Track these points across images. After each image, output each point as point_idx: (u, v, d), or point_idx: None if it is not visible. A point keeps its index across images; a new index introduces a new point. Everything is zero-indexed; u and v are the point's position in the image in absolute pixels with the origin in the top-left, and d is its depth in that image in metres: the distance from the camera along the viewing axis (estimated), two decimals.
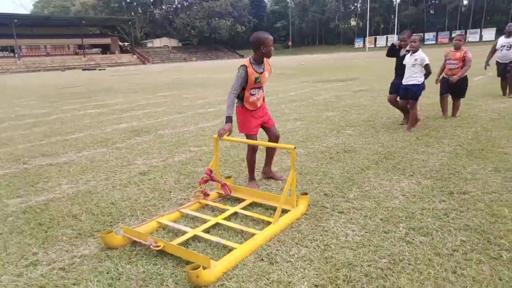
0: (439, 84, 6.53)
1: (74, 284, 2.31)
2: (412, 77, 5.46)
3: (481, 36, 62.87)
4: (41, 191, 3.93)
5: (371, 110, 7.61)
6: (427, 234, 2.68)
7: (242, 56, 76.92)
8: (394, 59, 5.99)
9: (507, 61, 8.30)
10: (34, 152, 5.51)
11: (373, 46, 71.27)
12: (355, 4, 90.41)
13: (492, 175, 3.72)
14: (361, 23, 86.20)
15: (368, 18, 67.25)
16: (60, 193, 3.86)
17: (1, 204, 3.62)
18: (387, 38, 73.25)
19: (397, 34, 68.01)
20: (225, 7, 79.08)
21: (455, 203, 3.15)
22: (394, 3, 76.73)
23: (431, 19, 76.73)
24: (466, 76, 6.27)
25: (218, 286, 2.22)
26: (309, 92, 11.17)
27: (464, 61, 6.12)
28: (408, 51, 5.54)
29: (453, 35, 64.63)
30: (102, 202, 3.55)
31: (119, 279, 2.33)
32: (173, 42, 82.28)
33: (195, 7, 77.66)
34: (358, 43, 77.77)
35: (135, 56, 68.24)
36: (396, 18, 68.47)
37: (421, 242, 2.58)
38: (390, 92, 6.04)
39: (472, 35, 64.08)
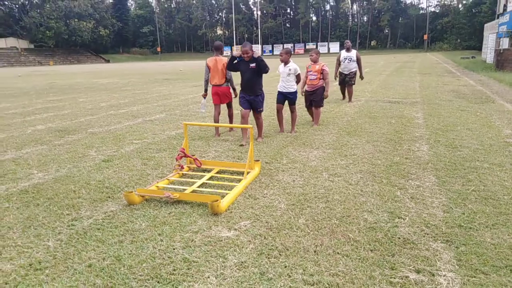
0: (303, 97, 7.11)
1: (125, 223, 3.16)
2: (289, 86, 6.29)
3: (329, 48, 73.16)
4: (19, 179, 4.33)
5: (267, 112, 9.26)
6: (340, 176, 4.28)
7: (108, 61, 73.11)
8: None
9: (348, 72, 9.64)
10: None
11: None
12: (220, 14, 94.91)
13: (366, 144, 5.63)
14: (227, 32, 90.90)
15: (234, 28, 71.63)
16: (40, 179, 4.33)
17: None
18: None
19: (260, 44, 74.30)
20: (84, 8, 74.02)
21: (349, 160, 4.88)
22: (256, 16, 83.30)
23: (288, 32, 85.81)
24: (323, 87, 6.87)
25: (229, 212, 3.38)
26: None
27: (322, 73, 6.78)
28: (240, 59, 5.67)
29: (307, 46, 73.81)
30: (91, 181, 4.23)
31: (157, 218, 3.28)
32: (23, 44, 73.03)
33: (48, 5, 70.50)
34: (226, 51, 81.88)
35: None
36: (258, 30, 74.67)
37: (338, 180, 4.15)
38: (244, 108, 5.82)
39: (322, 47, 74.22)
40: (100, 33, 76.73)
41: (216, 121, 6.44)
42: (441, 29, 69.67)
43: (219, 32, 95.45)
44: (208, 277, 2.42)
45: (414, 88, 12.43)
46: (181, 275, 2.44)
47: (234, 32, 72.94)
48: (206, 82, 6.47)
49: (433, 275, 2.43)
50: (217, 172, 4.44)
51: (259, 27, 74.86)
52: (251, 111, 5.93)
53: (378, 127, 6.71)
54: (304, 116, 7.79)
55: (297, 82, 6.41)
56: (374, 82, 14.93)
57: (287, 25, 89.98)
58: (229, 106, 6.67)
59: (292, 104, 6.46)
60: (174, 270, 2.50)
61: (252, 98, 5.79)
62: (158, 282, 2.37)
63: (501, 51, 18.96)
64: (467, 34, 58.09)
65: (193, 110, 9.27)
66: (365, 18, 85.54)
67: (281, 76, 6.39)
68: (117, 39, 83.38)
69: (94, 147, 5.74)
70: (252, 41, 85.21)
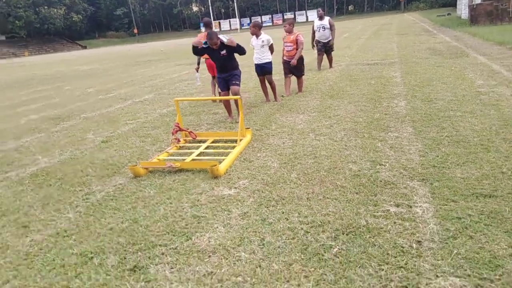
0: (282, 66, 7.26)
1: (134, 193, 3.48)
2: (264, 57, 6.42)
3: (307, 17, 72.38)
4: (27, 165, 4.58)
5: (252, 84, 9.50)
6: (325, 135, 4.63)
7: (84, 47, 71.24)
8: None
9: (326, 40, 9.55)
10: None
11: (218, 30, 74.84)
12: None
13: (348, 105, 5.97)
14: (203, 9, 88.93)
15: (209, 4, 70.00)
16: (46, 163, 4.59)
17: (2, 176, 4.23)
18: (229, 22, 77.99)
19: (238, 18, 73.14)
20: None
21: (333, 120, 5.23)
22: None
23: (265, 3, 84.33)
24: (302, 56, 6.96)
25: (228, 175, 3.71)
26: (191, 73, 12.52)
27: (296, 43, 6.82)
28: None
29: (285, 16, 72.97)
30: (95, 160, 4.50)
31: (163, 185, 3.60)
32: None
33: None
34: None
35: None
36: (234, 3, 73.27)
37: (324, 138, 4.51)
38: (222, 90, 5.75)
39: (300, 16, 73.40)
40: (73, 19, 74.47)
41: (213, 91, 7.12)
42: None
43: (195, 9, 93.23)
44: (217, 227, 2.77)
45: (392, 49, 12.74)
46: (193, 228, 2.79)
47: (210, 7, 71.20)
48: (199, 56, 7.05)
49: (411, 207, 2.82)
50: (212, 142, 4.75)
51: (235, 0, 73.40)
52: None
53: (358, 89, 7.05)
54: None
55: (271, 52, 6.48)
56: (353, 46, 15.18)
57: None
58: None
59: (268, 73, 6.55)
60: (186, 225, 2.84)
61: (227, 75, 5.61)
62: (173, 235, 2.72)
63: (474, 6, 19.28)
64: None
65: (180, 88, 9.46)
66: None
67: (255, 48, 6.51)
68: (91, 24, 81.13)
69: (91, 131, 5.97)
70: (229, 15, 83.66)
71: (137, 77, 13.03)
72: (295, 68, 7.04)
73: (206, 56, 6.67)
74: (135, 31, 78.07)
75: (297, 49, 6.85)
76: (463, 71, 7.71)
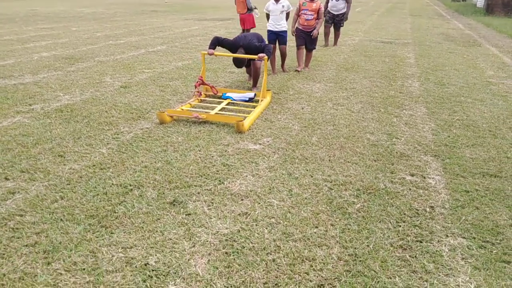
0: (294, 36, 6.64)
1: (163, 137, 3.65)
2: (281, 24, 6.08)
3: None
4: (49, 100, 4.68)
5: None
6: (343, 105, 4.81)
7: None
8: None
9: (337, 12, 8.86)
10: None
11: None
12: None
13: (363, 79, 6.11)
14: None
15: None
16: (68, 100, 4.69)
17: (28, 108, 4.34)
18: None
19: None
20: None
21: (350, 92, 5.39)
22: None
23: None
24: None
25: (251, 131, 3.89)
26: (201, 28, 12.40)
27: (318, 13, 6.27)
28: None
29: None
30: (118, 103, 4.62)
31: (189, 134, 3.77)
32: None
33: None
34: None
35: None
36: None
37: (341, 108, 4.69)
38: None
39: None
40: None
41: None
42: None
43: None
44: (246, 176, 2.98)
45: (405, 30, 12.74)
46: (223, 174, 3.00)
47: None
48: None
49: (424, 177, 3.06)
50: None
51: None
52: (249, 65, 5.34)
53: (373, 65, 7.17)
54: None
55: (286, 19, 6.19)
56: (366, 22, 15.08)
57: None
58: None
59: (283, 43, 6.26)
60: (217, 171, 3.04)
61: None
62: (206, 178, 2.92)
63: None
64: None
65: (193, 43, 9.42)
66: None
67: (271, 14, 6.12)
68: None
69: (108, 74, 6.03)
70: None
71: (145, 26, 12.82)
72: (310, 40, 6.45)
73: (240, 10, 7.42)
74: None
75: (316, 19, 6.30)
76: (475, 60, 7.85)
